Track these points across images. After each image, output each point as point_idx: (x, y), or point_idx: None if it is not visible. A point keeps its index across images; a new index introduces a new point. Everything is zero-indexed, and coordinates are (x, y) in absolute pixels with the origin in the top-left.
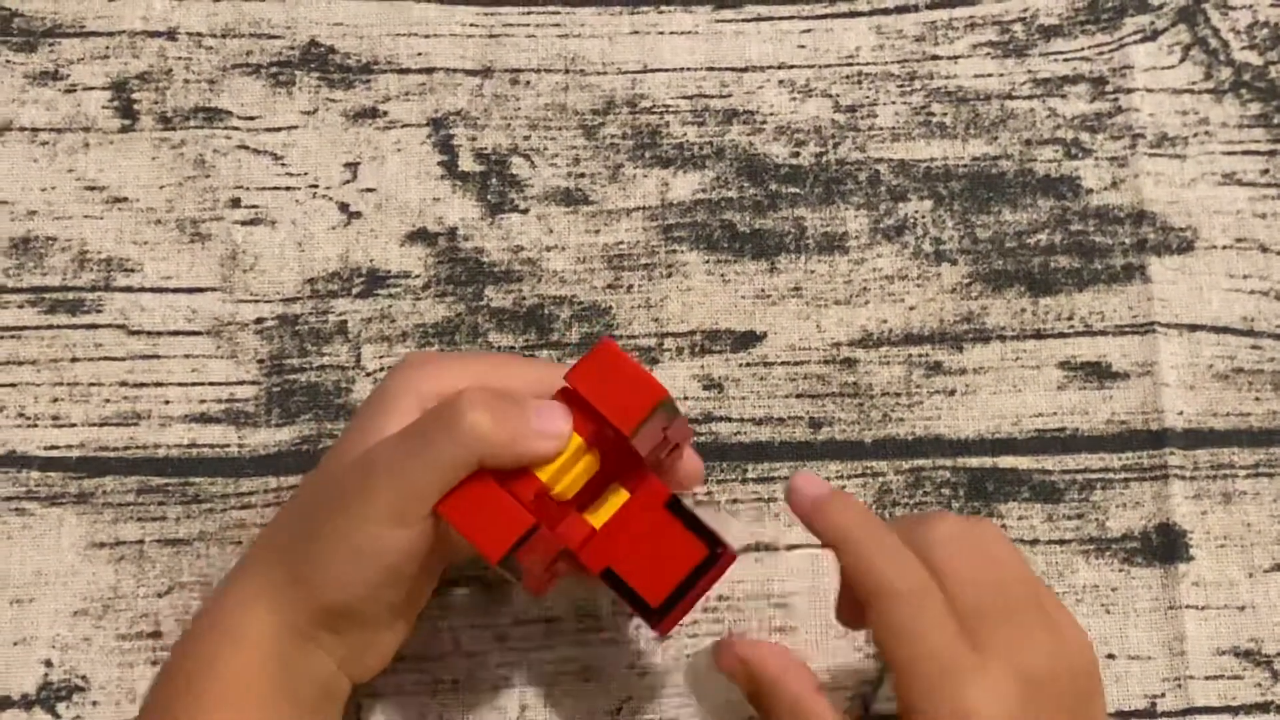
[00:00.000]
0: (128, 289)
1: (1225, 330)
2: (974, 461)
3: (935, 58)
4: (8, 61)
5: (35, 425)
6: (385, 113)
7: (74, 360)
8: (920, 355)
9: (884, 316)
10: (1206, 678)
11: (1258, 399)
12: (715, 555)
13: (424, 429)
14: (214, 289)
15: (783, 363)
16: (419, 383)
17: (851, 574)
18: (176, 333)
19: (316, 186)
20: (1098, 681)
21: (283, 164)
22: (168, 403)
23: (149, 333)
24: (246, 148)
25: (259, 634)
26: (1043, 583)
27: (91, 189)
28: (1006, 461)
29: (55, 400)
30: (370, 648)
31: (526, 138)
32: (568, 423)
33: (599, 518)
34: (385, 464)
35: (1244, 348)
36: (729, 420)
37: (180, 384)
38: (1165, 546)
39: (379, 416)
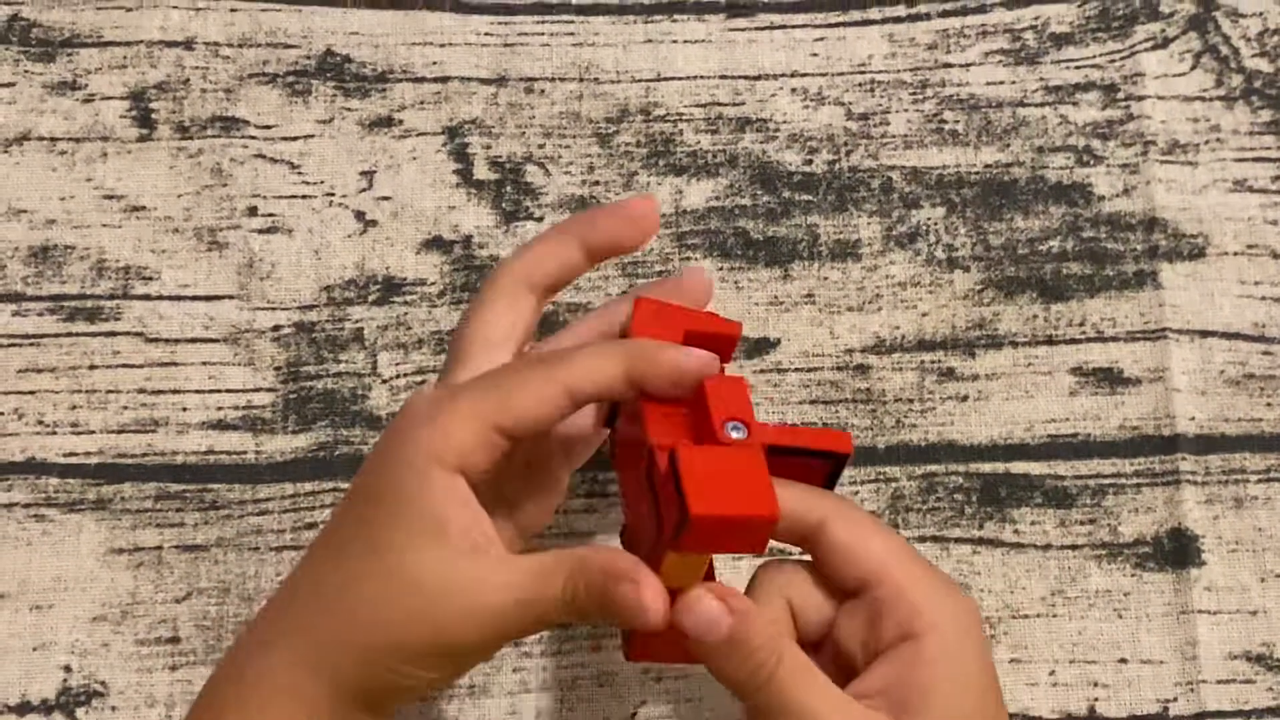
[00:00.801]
0: (145, 297)
1: (1236, 336)
2: (986, 467)
3: (947, 65)
4: (26, 71)
5: (54, 432)
6: (401, 121)
7: (92, 368)
8: (933, 361)
9: (897, 323)
10: (1218, 682)
11: (1269, 404)
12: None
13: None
14: (231, 297)
15: (796, 369)
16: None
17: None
18: (194, 340)
19: (333, 195)
20: None
21: (299, 172)
22: (185, 410)
23: (167, 340)
24: (263, 156)
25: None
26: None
27: (110, 198)
28: (1019, 467)
29: (74, 407)
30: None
31: (541, 146)
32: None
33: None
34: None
35: (1255, 353)
36: None
37: (198, 391)
38: (1177, 551)
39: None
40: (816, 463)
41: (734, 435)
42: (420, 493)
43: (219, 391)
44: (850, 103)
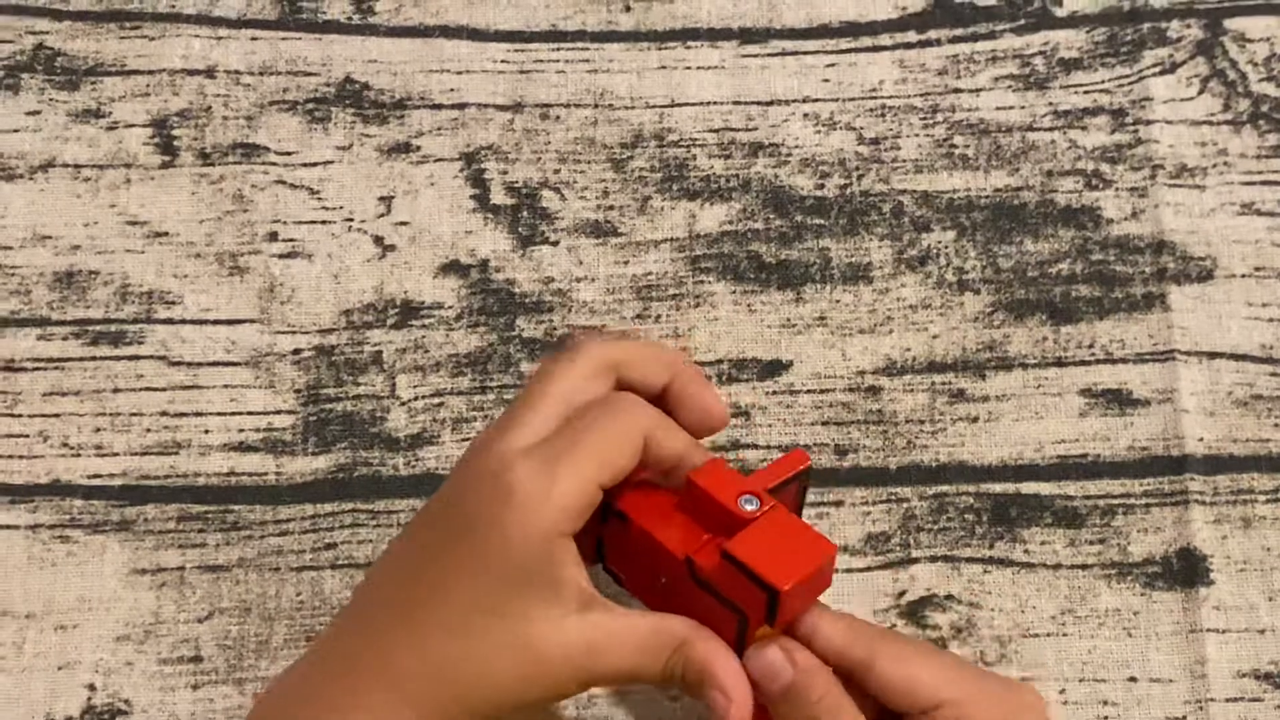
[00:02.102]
0: (168, 321)
1: (1244, 358)
2: (997, 487)
3: (957, 90)
4: (51, 100)
5: (79, 455)
6: (418, 147)
7: (116, 391)
8: (944, 383)
9: (908, 345)
10: (1227, 700)
11: (1277, 425)
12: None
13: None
14: (252, 321)
15: (808, 391)
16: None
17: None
18: (216, 364)
19: (352, 220)
20: None
21: (319, 198)
22: (207, 432)
23: (189, 364)
24: (283, 183)
25: None
26: None
27: (133, 224)
28: (1029, 487)
29: (98, 430)
30: None
31: (556, 171)
32: None
33: None
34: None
35: (1263, 375)
36: (755, 447)
37: (219, 414)
38: (1186, 571)
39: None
40: (793, 486)
41: (749, 508)
42: (546, 565)
43: (240, 414)
44: (861, 127)
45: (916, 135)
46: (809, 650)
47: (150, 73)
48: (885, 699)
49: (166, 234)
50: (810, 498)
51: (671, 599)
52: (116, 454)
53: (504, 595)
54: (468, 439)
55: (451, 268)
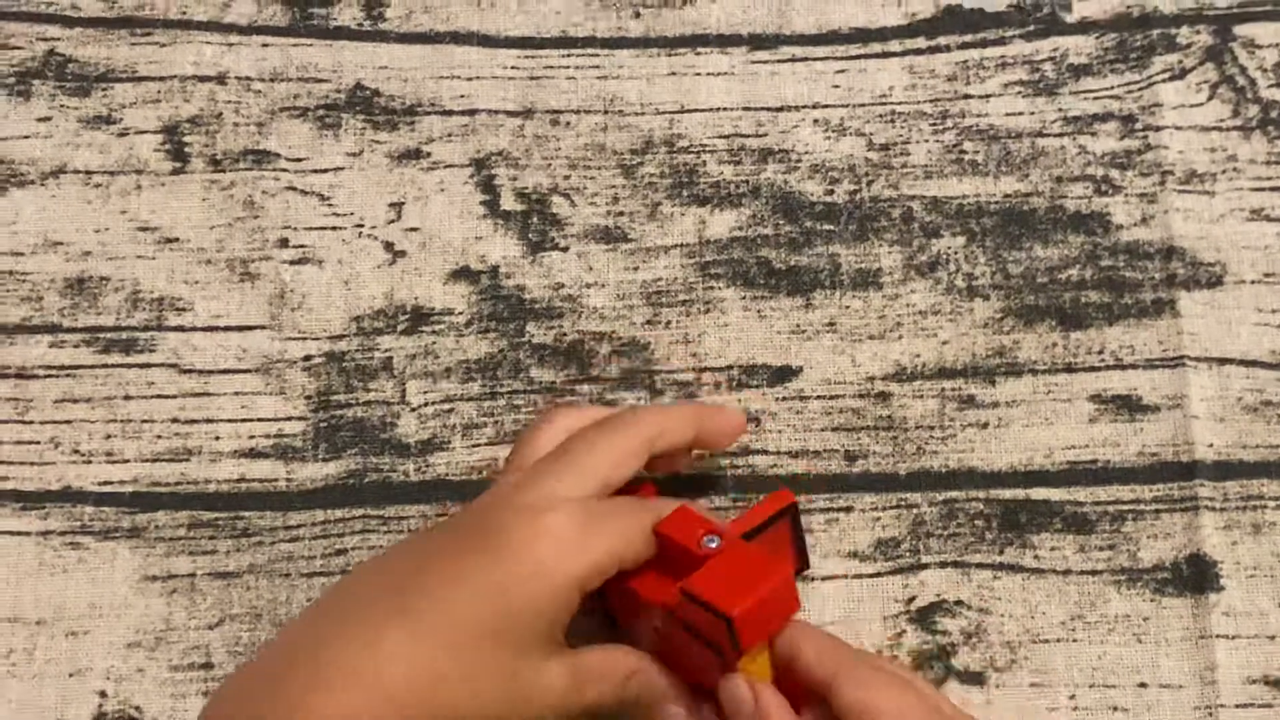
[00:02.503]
0: (179, 328)
1: (1254, 364)
2: (1007, 493)
3: (967, 97)
4: (62, 106)
5: (90, 461)
6: (429, 154)
7: (127, 398)
8: (953, 389)
9: (917, 351)
10: (1237, 706)
11: None
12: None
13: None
14: (263, 327)
15: (818, 396)
16: None
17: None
18: (226, 371)
19: (362, 226)
20: None
21: (329, 204)
22: (218, 439)
23: (200, 371)
24: (294, 189)
25: None
26: None
27: (144, 230)
28: (1039, 493)
29: (109, 437)
30: None
31: (566, 177)
32: None
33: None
34: None
35: (1272, 381)
36: (765, 453)
37: (230, 420)
38: (1196, 577)
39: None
40: (781, 524)
41: (711, 546)
42: (562, 610)
43: (251, 420)
44: (871, 133)
45: (926, 141)
46: (793, 669)
47: (161, 79)
48: None
49: (177, 240)
50: (820, 504)
51: (665, 644)
52: (127, 461)
53: (515, 628)
54: (478, 445)
55: (462, 274)
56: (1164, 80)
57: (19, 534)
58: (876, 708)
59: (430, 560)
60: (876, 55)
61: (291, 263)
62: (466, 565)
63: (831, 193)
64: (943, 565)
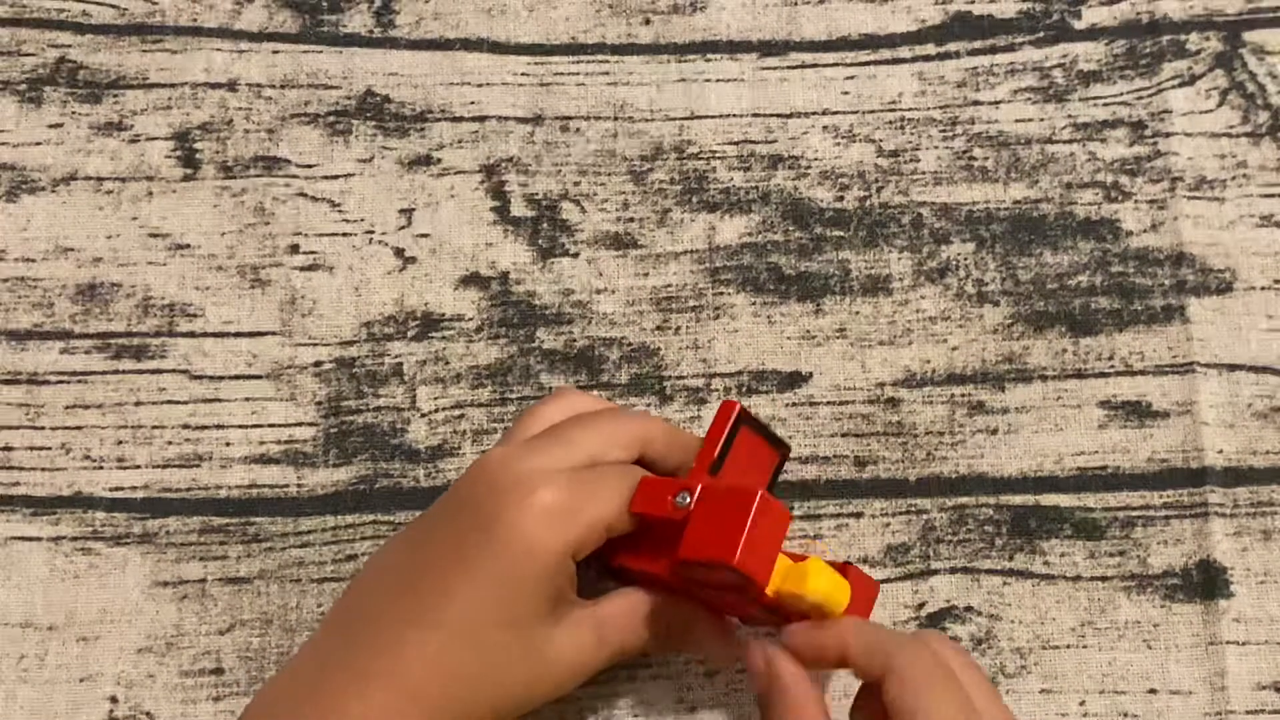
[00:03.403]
0: (190, 334)
1: (1264, 370)
2: (1017, 499)
3: (977, 103)
4: (74, 113)
5: (101, 467)
6: (439, 160)
7: (138, 404)
8: (963, 395)
9: (927, 357)
10: (1247, 712)
11: None
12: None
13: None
14: (274, 333)
15: (828, 402)
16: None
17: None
18: (237, 376)
19: (373, 232)
20: None
21: (340, 211)
22: (229, 444)
23: (211, 377)
24: (305, 195)
25: None
26: None
27: (155, 236)
28: (1049, 499)
29: (120, 443)
30: None
31: (576, 183)
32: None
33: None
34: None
35: None
36: None
37: (241, 426)
38: (1206, 583)
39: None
40: (741, 435)
41: (685, 503)
42: (562, 578)
43: (261, 426)
44: (881, 140)
45: (936, 147)
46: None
47: (172, 86)
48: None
49: (188, 246)
50: (830, 509)
51: (690, 591)
52: (139, 466)
53: (519, 608)
54: (488, 450)
55: (472, 280)
56: (1174, 86)
57: (31, 539)
58: (917, 710)
59: (436, 554)
60: (886, 62)
61: (302, 269)
62: (468, 554)
63: (841, 199)
64: (952, 571)
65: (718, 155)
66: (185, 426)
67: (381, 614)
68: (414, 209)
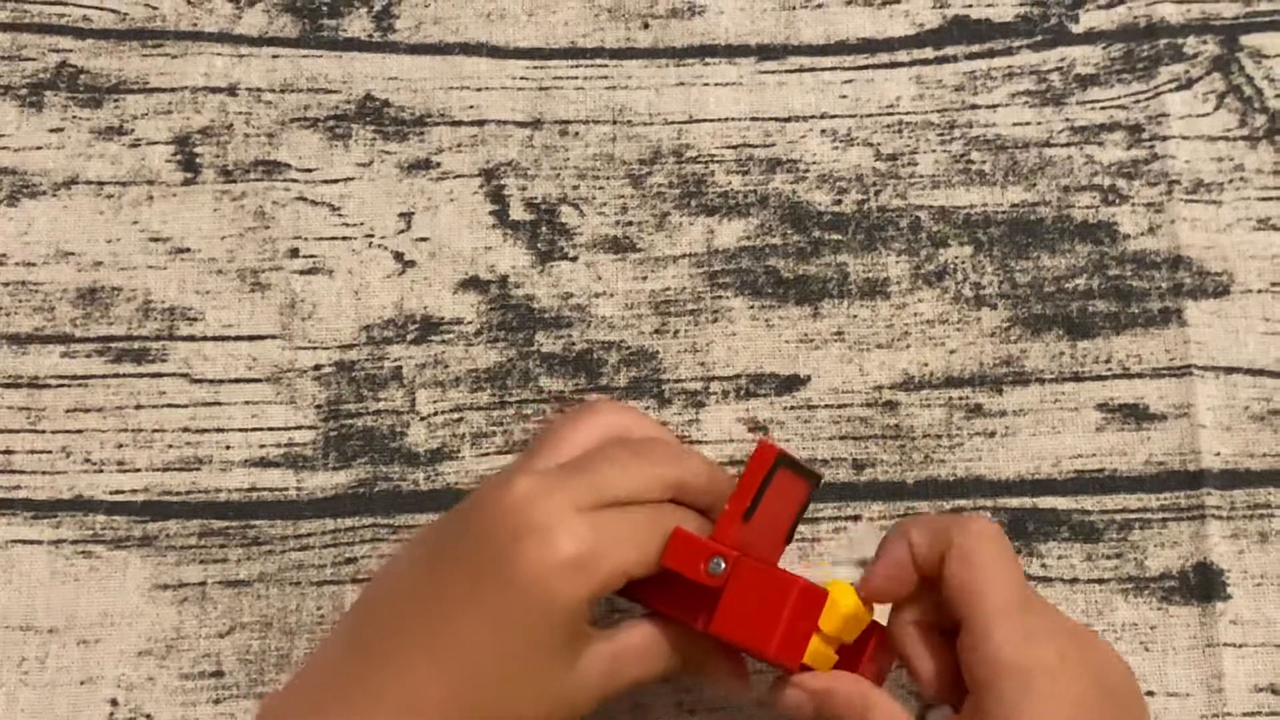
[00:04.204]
0: (190, 338)
1: (1261, 373)
2: (1014, 502)
3: (974, 107)
4: (75, 117)
5: (101, 470)
6: (438, 164)
7: (139, 408)
8: (961, 398)
9: (925, 360)
10: (1244, 715)
11: None
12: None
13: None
14: (273, 337)
15: (826, 405)
16: None
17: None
18: (237, 380)
19: (372, 236)
20: (1143, 702)
21: (339, 215)
22: (229, 448)
23: (211, 380)
24: (304, 199)
25: None
26: None
27: (155, 240)
28: (1046, 502)
29: (120, 446)
30: None
31: (575, 187)
32: None
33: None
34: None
35: (1279, 390)
36: None
37: (241, 429)
38: (1203, 585)
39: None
40: (777, 478)
41: (718, 572)
42: (580, 622)
43: (261, 430)
44: (879, 143)
45: (933, 151)
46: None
47: (172, 90)
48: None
49: (188, 250)
50: (828, 512)
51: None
52: (139, 470)
53: (536, 654)
54: (487, 454)
55: (471, 283)
56: (1171, 90)
57: (31, 543)
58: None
59: (451, 583)
60: (884, 65)
61: (302, 273)
62: (485, 596)
63: (839, 202)
64: None
65: (716, 159)
66: (185, 430)
67: (395, 636)
68: (413, 213)
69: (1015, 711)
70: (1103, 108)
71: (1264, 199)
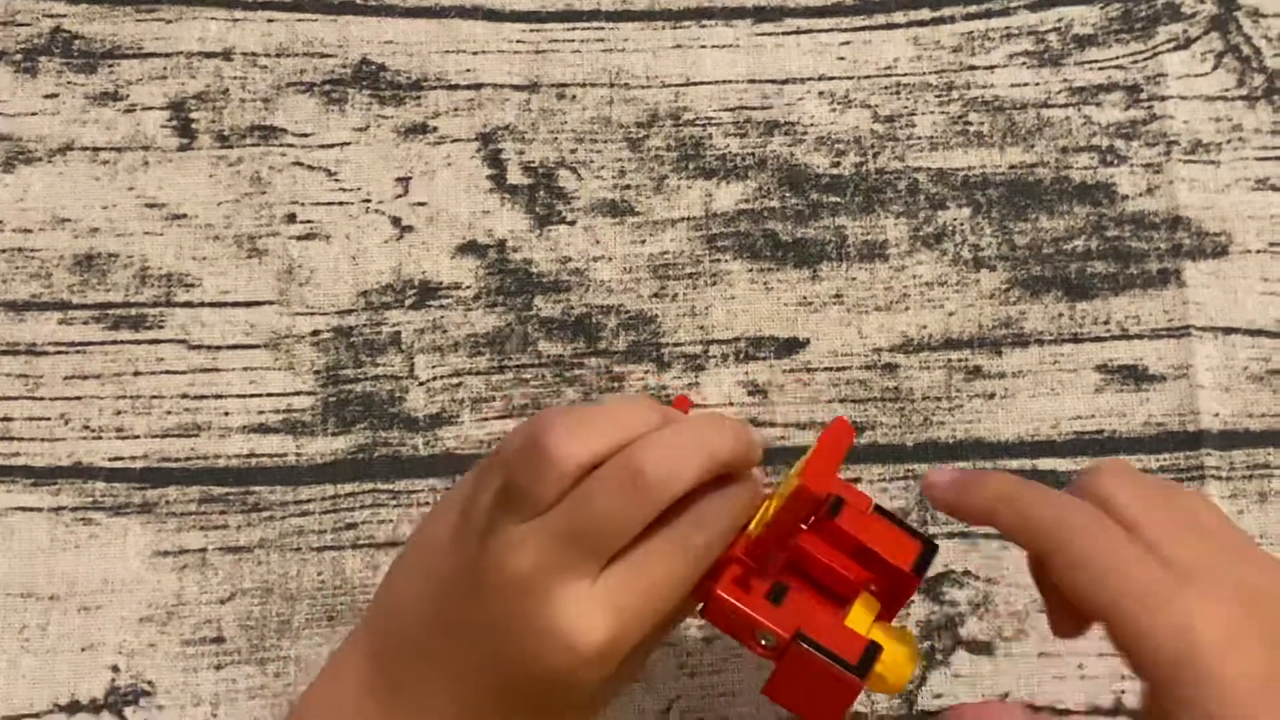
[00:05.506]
0: (188, 304)
1: (1260, 333)
2: (1014, 464)
3: (972, 68)
4: (69, 83)
5: (100, 437)
6: (435, 128)
7: (137, 374)
8: (960, 360)
9: (924, 322)
10: None
11: None
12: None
13: None
14: (271, 303)
15: (825, 368)
16: None
17: (1021, 535)
18: (235, 346)
19: (369, 201)
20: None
21: (336, 180)
22: (227, 414)
23: (209, 347)
24: (301, 164)
25: None
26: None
27: (151, 206)
28: (1046, 463)
29: (119, 413)
30: None
31: (573, 151)
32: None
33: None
34: None
35: (1278, 350)
36: (773, 425)
37: (239, 396)
38: None
39: None
40: (900, 535)
41: (768, 645)
42: (591, 699)
43: (260, 396)
44: (876, 105)
45: (931, 112)
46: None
47: (167, 55)
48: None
49: (185, 216)
50: None
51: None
52: (138, 436)
53: (558, 708)
54: (487, 418)
55: (469, 248)
56: (1169, 50)
57: (31, 510)
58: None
59: (468, 627)
60: (881, 27)
61: (299, 238)
62: (505, 671)
63: (837, 165)
64: (950, 536)
65: (714, 121)
66: (184, 396)
67: (420, 660)
68: (410, 177)
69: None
70: (1101, 68)
71: (1262, 159)
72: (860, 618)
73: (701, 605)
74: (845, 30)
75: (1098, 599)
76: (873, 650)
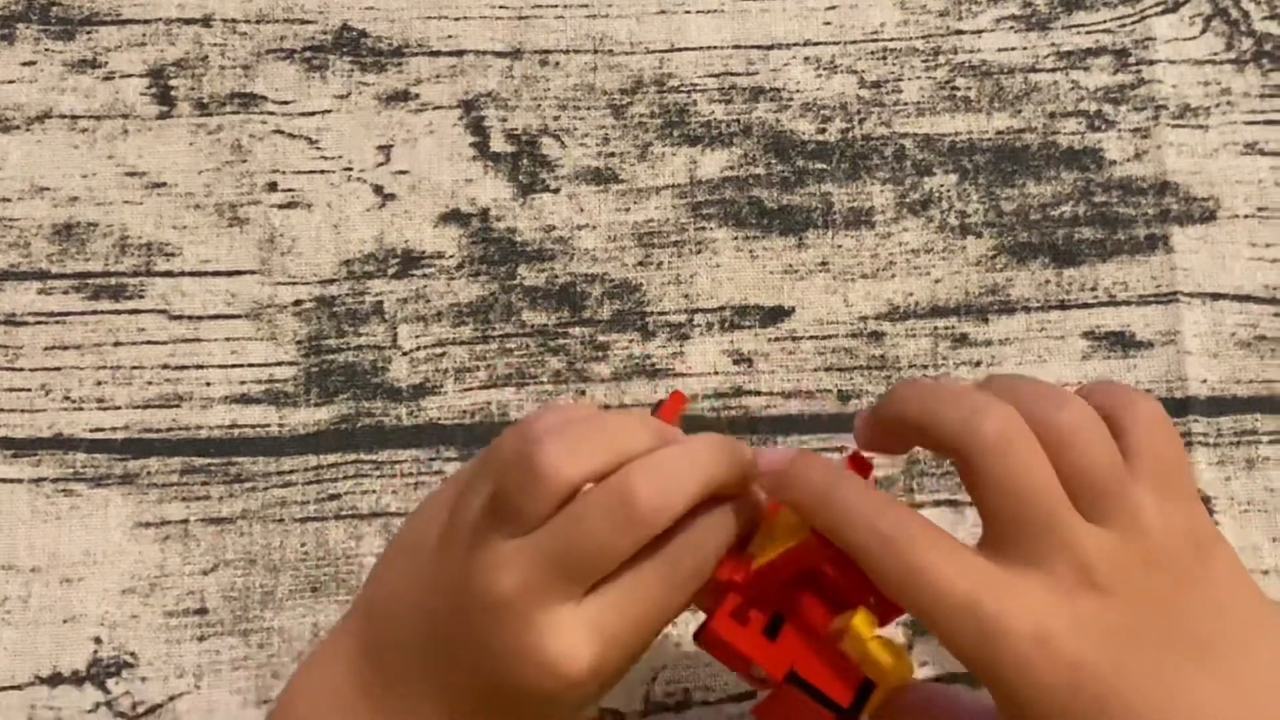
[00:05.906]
0: (168, 273)
1: (1248, 299)
2: None
3: (959, 32)
4: (47, 50)
5: (81, 408)
6: (417, 95)
7: (117, 344)
8: (946, 327)
9: (910, 290)
10: None
11: None
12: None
13: None
14: (252, 272)
15: (811, 336)
16: None
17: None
18: (216, 316)
19: (351, 169)
20: (1218, 542)
21: (317, 148)
22: (209, 384)
23: (190, 317)
24: (282, 132)
25: None
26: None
27: (131, 175)
28: None
29: (100, 384)
30: None
31: (556, 118)
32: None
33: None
34: None
35: (1266, 315)
36: (758, 394)
37: (221, 366)
38: None
39: None
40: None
41: (759, 675)
42: (571, 705)
43: (242, 366)
44: (863, 71)
45: (918, 78)
46: None
47: (146, 22)
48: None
49: (165, 185)
50: (815, 445)
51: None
52: (119, 407)
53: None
54: (470, 388)
55: (452, 216)
56: (1157, 14)
57: (11, 481)
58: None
59: (457, 647)
60: None
61: (280, 207)
62: (495, 700)
63: (823, 131)
64: (937, 504)
65: (698, 88)
66: (165, 367)
67: (410, 662)
68: (392, 145)
69: None
70: (1088, 32)
71: (1250, 123)
72: (865, 624)
73: (695, 633)
74: None
75: (998, 504)
76: (866, 689)
